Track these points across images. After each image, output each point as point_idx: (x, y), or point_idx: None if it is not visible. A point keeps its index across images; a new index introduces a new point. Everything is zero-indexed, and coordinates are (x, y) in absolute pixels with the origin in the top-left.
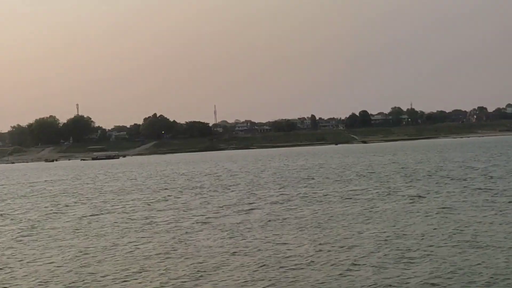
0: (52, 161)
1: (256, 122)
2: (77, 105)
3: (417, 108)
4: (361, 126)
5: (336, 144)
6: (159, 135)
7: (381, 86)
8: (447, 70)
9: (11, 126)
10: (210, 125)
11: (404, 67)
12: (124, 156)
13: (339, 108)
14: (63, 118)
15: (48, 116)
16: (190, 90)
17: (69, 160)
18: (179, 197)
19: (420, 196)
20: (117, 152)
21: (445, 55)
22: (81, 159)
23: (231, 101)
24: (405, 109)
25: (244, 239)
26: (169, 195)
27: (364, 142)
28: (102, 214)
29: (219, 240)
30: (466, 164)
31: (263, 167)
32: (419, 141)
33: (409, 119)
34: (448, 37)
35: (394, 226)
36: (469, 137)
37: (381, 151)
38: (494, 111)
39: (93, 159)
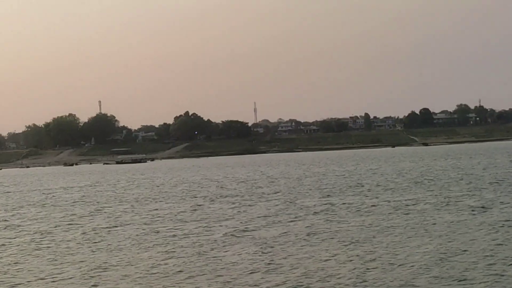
0: (72, 165)
1: (302, 121)
2: (100, 102)
3: (487, 106)
4: (422, 126)
5: (393, 147)
6: (192, 136)
7: (445, 80)
8: None
9: (26, 126)
10: (250, 124)
11: (471, 58)
12: (152, 159)
13: (396, 106)
14: (84, 117)
15: (67, 114)
16: (227, 85)
17: (90, 164)
18: (210, 207)
19: (484, 207)
20: (144, 155)
21: None
22: (104, 163)
23: (273, 98)
24: (472, 107)
25: (279, 255)
26: (198, 204)
27: (425, 144)
28: (120, 225)
29: (250, 256)
30: None
31: (308, 172)
32: (489, 143)
33: (477, 118)
34: None
35: (451, 241)
36: None
37: (444, 154)
38: None
39: (117, 163)
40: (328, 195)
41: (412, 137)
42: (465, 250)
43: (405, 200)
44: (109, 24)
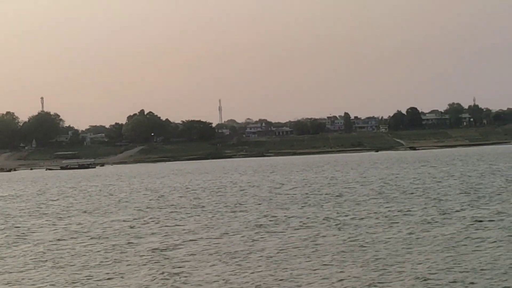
0: (10, 170)
1: (273, 122)
2: (42, 98)
3: (482, 105)
4: (409, 128)
5: (377, 151)
6: (148, 138)
7: (435, 76)
8: None
9: None
10: (214, 125)
11: (464, 53)
12: (102, 164)
13: (380, 105)
14: (23, 116)
15: (4, 113)
16: (188, 81)
17: (31, 169)
18: (168, 219)
19: (479, 221)
20: (92, 160)
21: None
22: (47, 169)
23: (241, 95)
24: (466, 106)
25: (245, 273)
26: (157, 216)
27: (413, 148)
28: (64, 239)
29: (213, 276)
30: None
31: (282, 179)
32: (484, 148)
33: (472, 119)
34: None
35: (444, 256)
36: None
37: (434, 160)
38: None
39: (62, 168)
40: (305, 206)
41: (398, 140)
42: (458, 264)
43: (392, 211)
44: (53, 13)
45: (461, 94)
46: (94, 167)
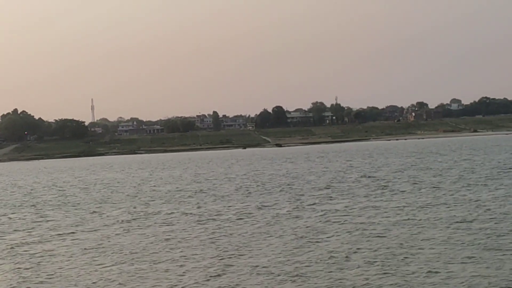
0: None
1: (145, 120)
2: None
3: (344, 104)
4: (275, 126)
5: (244, 148)
6: (22, 136)
7: (300, 76)
8: (379, 57)
9: None
10: (87, 124)
11: (327, 54)
12: None
13: (247, 104)
14: None
15: None
16: (61, 80)
17: None
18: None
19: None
20: None
21: (375, 43)
22: None
23: (112, 95)
24: (328, 105)
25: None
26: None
27: (279, 145)
28: None
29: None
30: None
31: (148, 176)
32: (346, 144)
33: (334, 117)
34: (381, 19)
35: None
36: (406, 139)
37: (297, 156)
38: (436, 107)
39: None
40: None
41: (264, 137)
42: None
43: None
44: None
45: (324, 93)
46: None
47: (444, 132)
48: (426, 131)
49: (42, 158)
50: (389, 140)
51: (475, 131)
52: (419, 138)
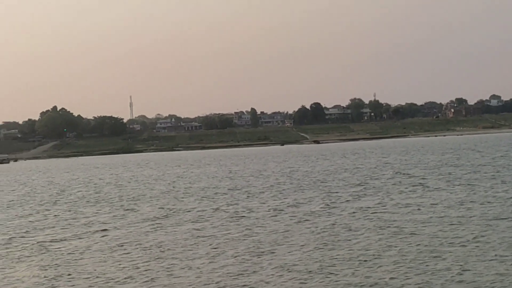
0: None
1: (183, 117)
2: None
3: (382, 100)
4: (313, 122)
5: (282, 145)
6: (61, 133)
7: (338, 73)
8: (418, 53)
9: None
10: (125, 121)
11: (366, 49)
12: (15, 160)
13: (286, 100)
14: None
15: None
16: (99, 77)
17: None
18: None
19: (357, 212)
20: (6, 155)
21: (413, 37)
22: None
23: (150, 91)
24: (367, 101)
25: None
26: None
27: (317, 142)
28: None
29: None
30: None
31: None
32: (384, 141)
33: (372, 114)
34: (418, 11)
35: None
36: (445, 135)
37: (334, 153)
38: (475, 103)
39: None
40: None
41: (302, 134)
42: None
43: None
44: None
45: (362, 90)
46: (8, 162)
47: (483, 128)
48: (465, 128)
49: (81, 155)
50: (428, 136)
51: None
52: (458, 135)
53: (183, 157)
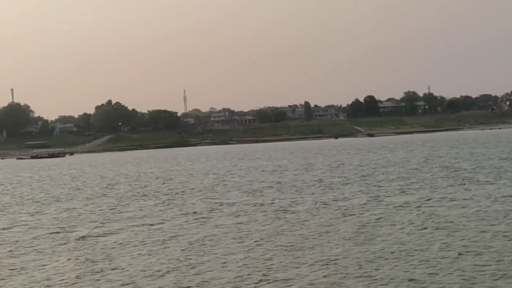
0: None
1: (236, 111)
2: (12, 90)
3: (436, 93)
4: (366, 116)
5: (336, 138)
6: (115, 127)
7: (391, 66)
8: (472, 46)
9: None
10: (179, 114)
11: (418, 42)
12: (71, 153)
13: (339, 93)
14: None
15: None
16: (153, 71)
17: (2, 159)
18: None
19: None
20: (62, 149)
21: (468, 29)
22: (18, 158)
23: (204, 85)
24: (421, 94)
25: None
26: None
27: (371, 135)
28: None
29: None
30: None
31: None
32: (439, 134)
33: (427, 107)
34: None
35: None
36: (500, 128)
37: (387, 146)
38: None
39: (32, 157)
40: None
41: (356, 127)
42: None
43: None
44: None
45: (416, 82)
46: (64, 156)
47: None
48: None
49: (136, 149)
50: (483, 129)
51: None
52: None
53: (234, 151)
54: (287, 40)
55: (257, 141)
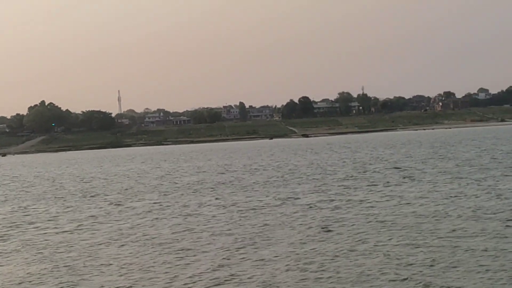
0: None
1: (171, 111)
2: None
3: (370, 94)
4: (301, 116)
5: (271, 139)
6: (49, 128)
7: (325, 66)
8: (405, 46)
9: None
10: (114, 115)
11: (353, 43)
12: (3, 154)
13: (274, 94)
14: None
15: None
16: (87, 72)
17: None
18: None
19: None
20: None
21: (401, 31)
22: None
23: (139, 86)
24: (355, 95)
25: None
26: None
27: (305, 135)
28: None
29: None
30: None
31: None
32: (373, 134)
33: (361, 107)
34: (406, 5)
35: None
36: (433, 128)
37: (320, 146)
38: (463, 97)
39: None
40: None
41: (291, 128)
42: None
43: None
44: None
45: (350, 83)
46: None
47: (471, 121)
48: (453, 121)
49: (70, 150)
50: (416, 130)
51: (502, 120)
52: (446, 128)
53: (169, 151)
54: (221, 40)
55: (192, 142)
